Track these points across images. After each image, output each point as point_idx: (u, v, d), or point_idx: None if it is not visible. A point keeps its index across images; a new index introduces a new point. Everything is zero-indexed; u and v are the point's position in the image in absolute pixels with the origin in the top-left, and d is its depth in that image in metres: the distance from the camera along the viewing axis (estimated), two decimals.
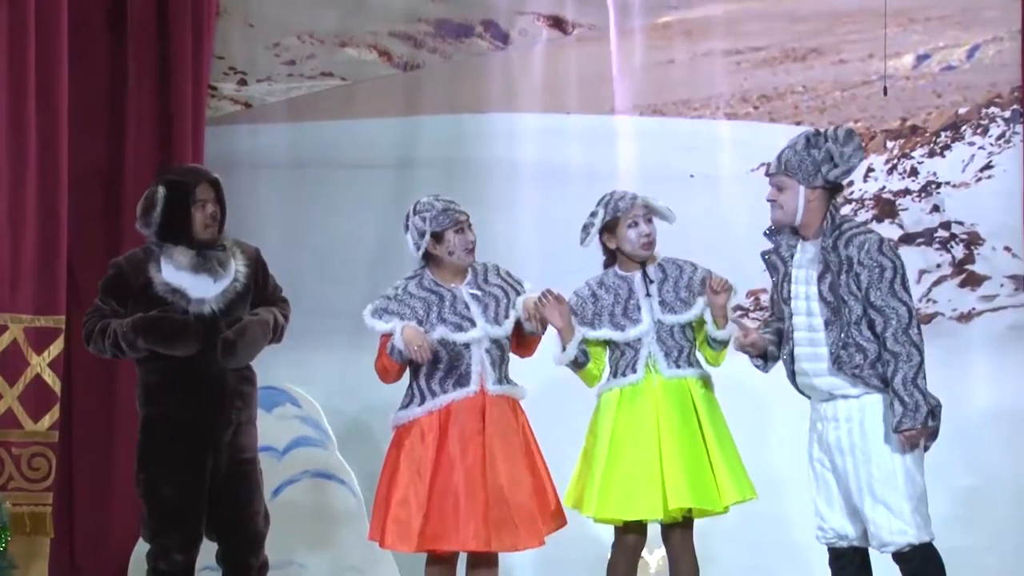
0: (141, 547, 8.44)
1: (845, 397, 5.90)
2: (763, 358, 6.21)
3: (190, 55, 8.97)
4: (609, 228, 6.38)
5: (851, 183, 8.49)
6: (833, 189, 5.99)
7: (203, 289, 6.63)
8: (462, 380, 6.33)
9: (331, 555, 8.07)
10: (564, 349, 6.37)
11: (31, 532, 7.77)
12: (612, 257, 6.47)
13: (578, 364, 6.40)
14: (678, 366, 6.34)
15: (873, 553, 6.03)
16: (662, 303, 6.34)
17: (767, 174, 6.10)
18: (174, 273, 6.63)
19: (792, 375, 6.05)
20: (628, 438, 6.26)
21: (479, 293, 6.39)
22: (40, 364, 7.90)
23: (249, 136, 9.32)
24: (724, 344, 6.36)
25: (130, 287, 6.67)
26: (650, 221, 6.39)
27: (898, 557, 5.91)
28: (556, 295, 6.34)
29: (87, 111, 8.82)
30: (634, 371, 6.32)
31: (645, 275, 6.38)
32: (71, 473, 8.82)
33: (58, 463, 7.92)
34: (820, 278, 5.89)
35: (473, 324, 6.33)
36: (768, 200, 6.04)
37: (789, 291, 6.01)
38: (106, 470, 8.80)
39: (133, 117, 8.94)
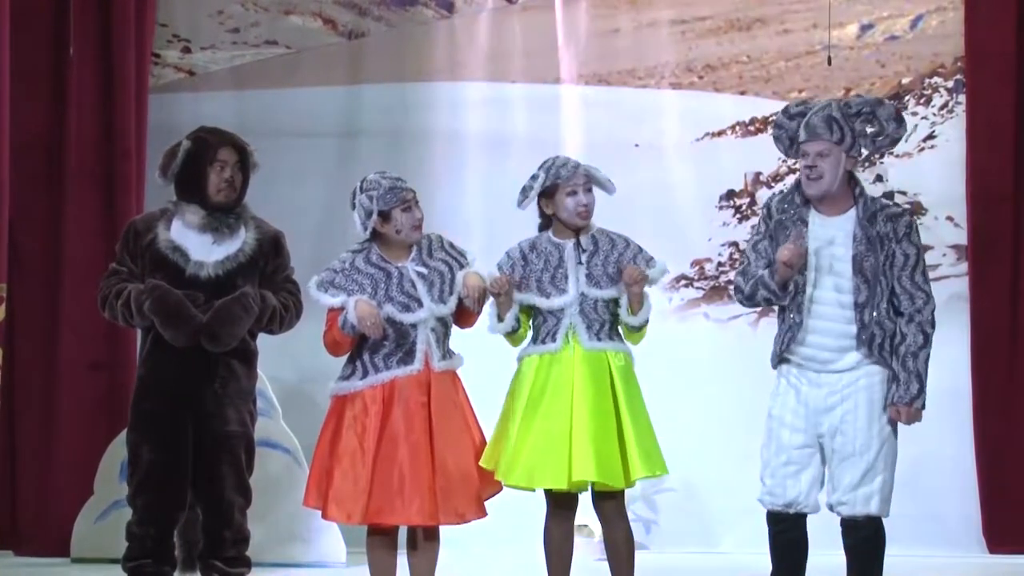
0: (85, 516, 8.45)
1: (846, 370, 5.96)
2: (783, 287, 6.06)
3: (133, 22, 8.91)
4: (548, 193, 6.35)
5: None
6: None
7: (204, 253, 6.60)
8: (407, 358, 6.29)
9: (276, 525, 8.06)
10: (501, 319, 6.37)
11: None
12: (547, 222, 6.45)
13: (512, 331, 6.41)
14: (599, 339, 6.31)
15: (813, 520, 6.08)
16: (588, 276, 6.31)
17: None
18: (181, 231, 6.61)
19: (790, 342, 6.03)
20: (542, 406, 6.24)
21: (425, 271, 6.35)
22: None
23: (192, 104, 9.27)
24: (638, 329, 6.35)
25: (139, 245, 6.65)
26: (590, 191, 6.36)
27: (849, 523, 5.96)
28: (509, 282, 6.31)
29: (29, 78, 8.75)
30: (553, 340, 6.30)
31: (578, 244, 6.37)
32: (13, 443, 8.78)
33: (0, 432, 7.88)
34: (855, 254, 5.96)
35: (420, 304, 6.29)
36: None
37: (805, 262, 5.98)
38: (49, 440, 8.76)
39: (75, 84, 8.88)
